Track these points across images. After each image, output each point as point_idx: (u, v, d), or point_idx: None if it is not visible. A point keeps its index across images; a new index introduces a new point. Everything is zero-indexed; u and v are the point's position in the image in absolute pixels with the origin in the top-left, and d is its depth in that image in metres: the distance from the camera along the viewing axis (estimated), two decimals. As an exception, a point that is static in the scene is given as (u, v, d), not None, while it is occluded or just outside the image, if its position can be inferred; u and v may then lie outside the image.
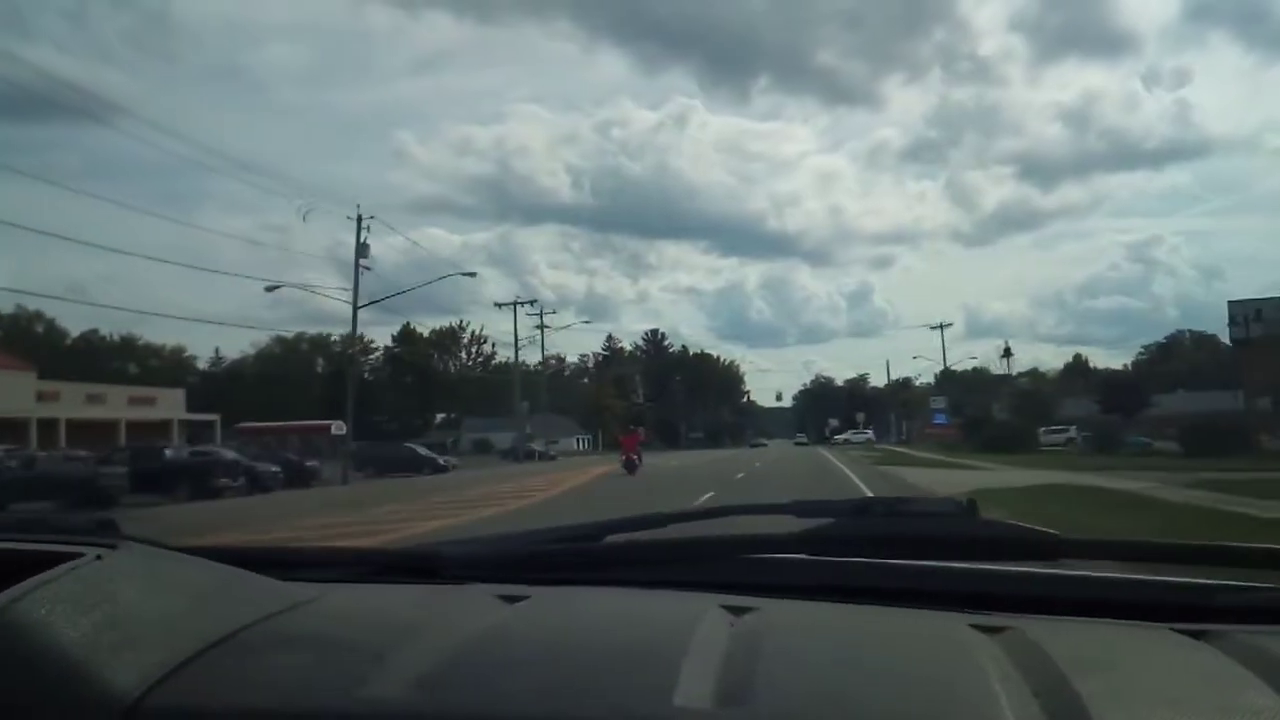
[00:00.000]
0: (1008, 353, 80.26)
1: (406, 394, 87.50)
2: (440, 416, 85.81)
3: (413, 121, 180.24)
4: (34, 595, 0.75)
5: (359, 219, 37.14)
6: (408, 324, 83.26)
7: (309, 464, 34.04)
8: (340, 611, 0.96)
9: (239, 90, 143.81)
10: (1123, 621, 0.92)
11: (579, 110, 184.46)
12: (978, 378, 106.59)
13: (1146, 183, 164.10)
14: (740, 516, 1.34)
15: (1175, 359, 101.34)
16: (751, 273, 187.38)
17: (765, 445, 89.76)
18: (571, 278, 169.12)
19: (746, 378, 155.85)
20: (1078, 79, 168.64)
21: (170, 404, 54.76)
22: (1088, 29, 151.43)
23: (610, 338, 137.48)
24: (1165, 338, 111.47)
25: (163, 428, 50.65)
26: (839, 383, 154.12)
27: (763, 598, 0.95)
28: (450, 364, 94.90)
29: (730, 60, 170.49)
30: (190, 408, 57.06)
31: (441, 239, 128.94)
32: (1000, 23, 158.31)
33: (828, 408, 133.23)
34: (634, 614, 0.96)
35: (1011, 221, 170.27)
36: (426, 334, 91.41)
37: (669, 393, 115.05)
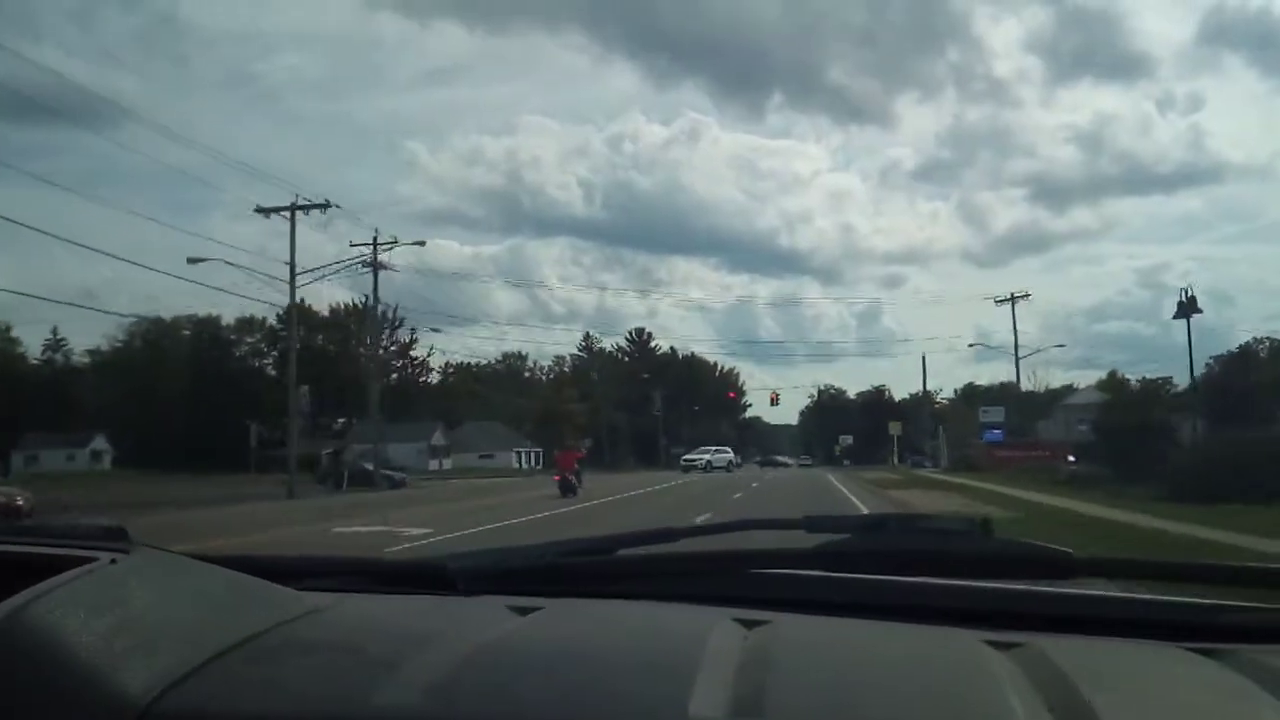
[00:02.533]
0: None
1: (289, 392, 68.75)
2: (340, 421, 67.42)
3: (423, 132, 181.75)
4: (48, 598, 0.74)
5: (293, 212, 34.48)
6: (301, 300, 66.19)
7: None
8: (353, 620, 0.97)
9: (247, 98, 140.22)
10: (1135, 640, 0.93)
11: (590, 123, 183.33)
12: (1007, 393, 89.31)
13: (1158, 208, 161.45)
14: (753, 531, 1.33)
15: (1259, 369, 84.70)
16: (762, 289, 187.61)
17: (788, 464, 78.24)
18: (582, 292, 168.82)
19: (746, 387, 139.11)
20: (1091, 102, 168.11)
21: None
22: (1102, 52, 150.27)
23: (588, 336, 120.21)
24: (1238, 347, 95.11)
25: None
26: (850, 395, 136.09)
27: (776, 612, 0.95)
28: (362, 354, 76.31)
29: (743, 76, 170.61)
30: None
31: (452, 250, 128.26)
32: (1015, 43, 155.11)
33: (838, 423, 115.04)
34: (647, 626, 0.97)
35: (1023, 244, 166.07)
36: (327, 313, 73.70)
37: (651, 401, 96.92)
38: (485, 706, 0.70)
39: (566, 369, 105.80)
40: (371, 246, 39.65)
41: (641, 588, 1.09)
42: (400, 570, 1.25)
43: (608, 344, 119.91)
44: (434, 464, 64.89)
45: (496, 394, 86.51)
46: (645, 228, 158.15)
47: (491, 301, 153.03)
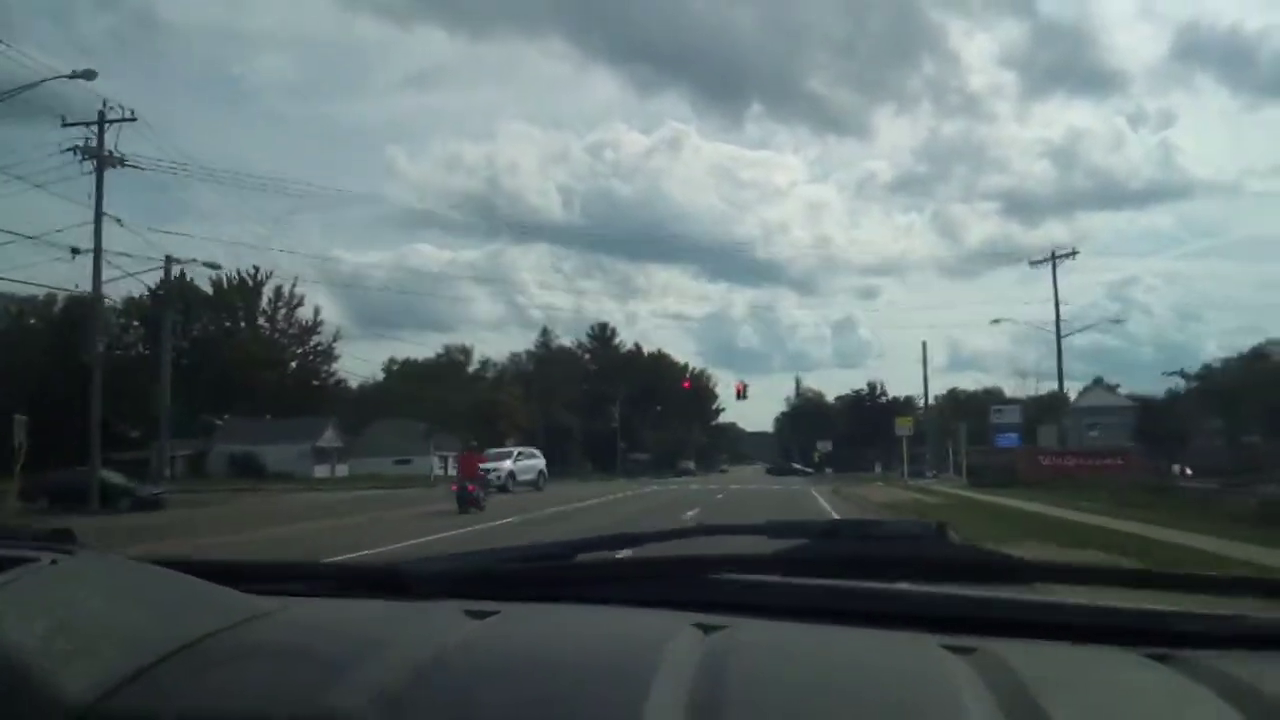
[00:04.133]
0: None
1: (164, 382, 56.40)
2: (225, 418, 55.93)
3: (403, 136, 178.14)
4: None
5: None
6: (181, 273, 54.53)
7: None
8: (302, 624, 0.95)
9: (226, 99, 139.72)
10: (1091, 645, 0.94)
11: (571, 130, 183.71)
12: (992, 399, 79.73)
13: (1128, 224, 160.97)
14: (714, 537, 1.33)
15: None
16: (739, 299, 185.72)
17: (807, 472, 70.12)
18: (561, 297, 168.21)
19: (719, 391, 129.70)
20: (1064, 117, 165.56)
21: None
22: (1076, 67, 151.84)
23: (545, 331, 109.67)
24: (1250, 349, 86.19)
25: None
26: (830, 399, 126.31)
27: (735, 616, 0.96)
28: (254, 333, 64.70)
29: (723, 86, 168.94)
30: None
31: (430, 255, 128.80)
32: (990, 58, 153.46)
33: (817, 428, 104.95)
34: (605, 631, 0.97)
35: (996, 256, 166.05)
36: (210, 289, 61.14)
37: (610, 403, 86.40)
38: (438, 714, 0.68)
39: (520, 365, 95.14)
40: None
41: (600, 592, 1.08)
42: (352, 574, 1.24)
43: (569, 341, 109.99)
44: (321, 470, 53.81)
45: (432, 391, 75.57)
46: (625, 235, 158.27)
47: (474, 308, 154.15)
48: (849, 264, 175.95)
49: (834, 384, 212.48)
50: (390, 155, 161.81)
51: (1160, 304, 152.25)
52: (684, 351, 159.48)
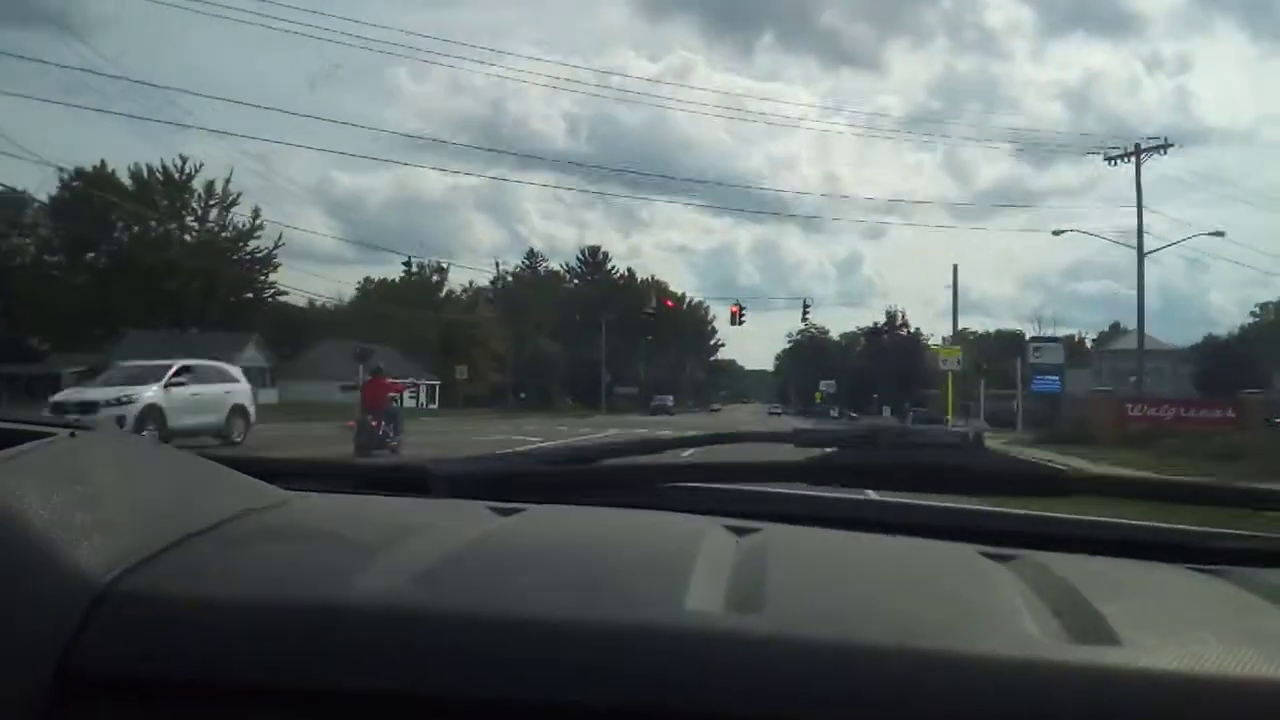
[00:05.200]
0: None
1: (76, 286, 49.68)
2: (126, 332, 48.10)
3: (407, 57, 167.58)
4: (1, 467, 0.70)
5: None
6: (101, 163, 46.43)
7: None
8: (327, 512, 0.94)
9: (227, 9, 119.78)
10: (1133, 560, 0.92)
11: (579, 55, 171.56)
12: (1005, 341, 72.32)
13: (1143, 169, 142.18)
14: (740, 445, 1.32)
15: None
16: (744, 235, 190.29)
17: (722, 410, 62.58)
18: (563, 228, 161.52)
19: (718, 327, 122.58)
20: (1080, 58, 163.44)
21: None
22: (1094, 6, 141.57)
23: (533, 252, 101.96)
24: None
25: None
26: (835, 336, 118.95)
27: (767, 522, 0.94)
28: (181, 235, 55.33)
29: (735, 14, 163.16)
30: None
31: (432, 178, 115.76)
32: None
33: (821, 367, 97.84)
34: (636, 529, 0.94)
35: (1005, 199, 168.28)
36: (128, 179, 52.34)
37: (598, 331, 79.15)
38: (468, 597, 0.66)
39: (505, 288, 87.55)
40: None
41: (627, 497, 1.07)
42: (376, 473, 1.23)
43: (557, 264, 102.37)
44: None
45: (399, 313, 68.15)
46: (629, 166, 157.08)
47: (474, 235, 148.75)
48: (856, 201, 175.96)
49: (838, 322, 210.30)
50: (393, 75, 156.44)
51: (1169, 252, 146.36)
52: (686, 285, 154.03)
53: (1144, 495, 1.16)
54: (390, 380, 20.47)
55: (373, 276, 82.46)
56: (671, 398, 76.86)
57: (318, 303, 77.93)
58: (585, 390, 76.15)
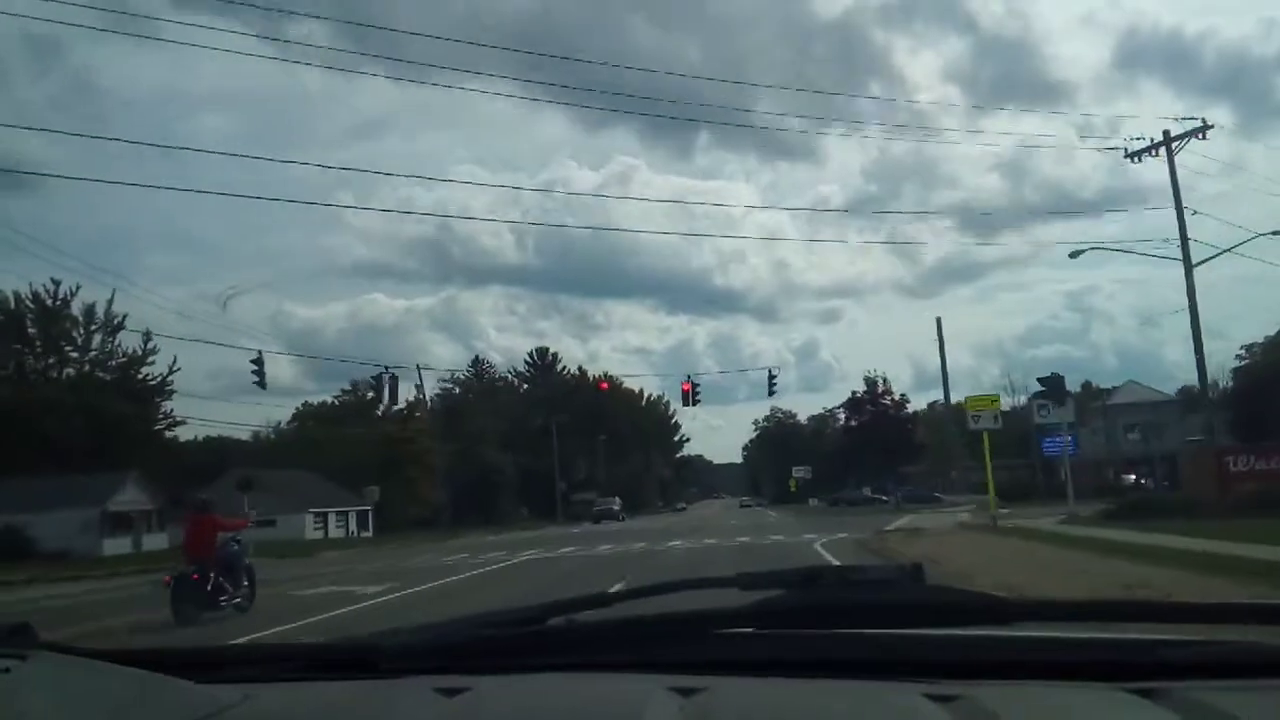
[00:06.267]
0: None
1: None
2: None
3: (351, 185, 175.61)
4: None
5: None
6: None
7: None
8: (267, 715, 0.93)
9: (171, 158, 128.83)
10: (1074, 683, 0.94)
11: (521, 170, 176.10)
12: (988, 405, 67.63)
13: (1081, 234, 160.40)
14: (687, 592, 1.32)
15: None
16: (700, 330, 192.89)
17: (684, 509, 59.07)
18: (519, 340, 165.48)
19: (682, 425, 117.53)
20: (1014, 129, 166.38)
21: None
22: (1022, 80, 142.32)
23: (478, 359, 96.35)
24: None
25: None
26: (803, 420, 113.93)
27: (713, 676, 0.96)
28: (61, 367, 48.18)
29: (670, 118, 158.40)
30: None
31: (383, 304, 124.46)
32: (935, 74, 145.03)
33: (791, 454, 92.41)
34: (579, 702, 0.96)
35: (953, 273, 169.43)
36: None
37: (556, 435, 73.21)
38: None
39: (450, 400, 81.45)
40: None
41: (574, 658, 1.08)
42: (319, 653, 1.20)
43: (506, 370, 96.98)
44: (118, 543, 39.68)
45: (327, 436, 61.86)
46: (580, 273, 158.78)
47: (431, 355, 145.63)
48: (807, 288, 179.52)
49: (802, 407, 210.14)
50: (338, 204, 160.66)
51: (1120, 311, 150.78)
52: (647, 385, 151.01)
53: (1084, 617, 1.13)
54: (222, 519, 14.95)
55: (312, 400, 76.38)
56: (618, 500, 66.75)
57: (262, 434, 71.72)
58: (540, 500, 69.84)
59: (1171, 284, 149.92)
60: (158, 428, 47.11)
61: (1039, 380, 24.60)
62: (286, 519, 46.22)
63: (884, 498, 56.21)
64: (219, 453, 55.70)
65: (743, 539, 23.80)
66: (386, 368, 46.85)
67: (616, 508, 62.73)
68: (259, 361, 29.81)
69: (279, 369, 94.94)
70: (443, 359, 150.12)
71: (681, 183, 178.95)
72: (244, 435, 66.28)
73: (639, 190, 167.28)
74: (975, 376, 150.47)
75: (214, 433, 62.91)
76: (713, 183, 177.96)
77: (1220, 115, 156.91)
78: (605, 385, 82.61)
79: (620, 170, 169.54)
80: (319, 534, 50.65)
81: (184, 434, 57.33)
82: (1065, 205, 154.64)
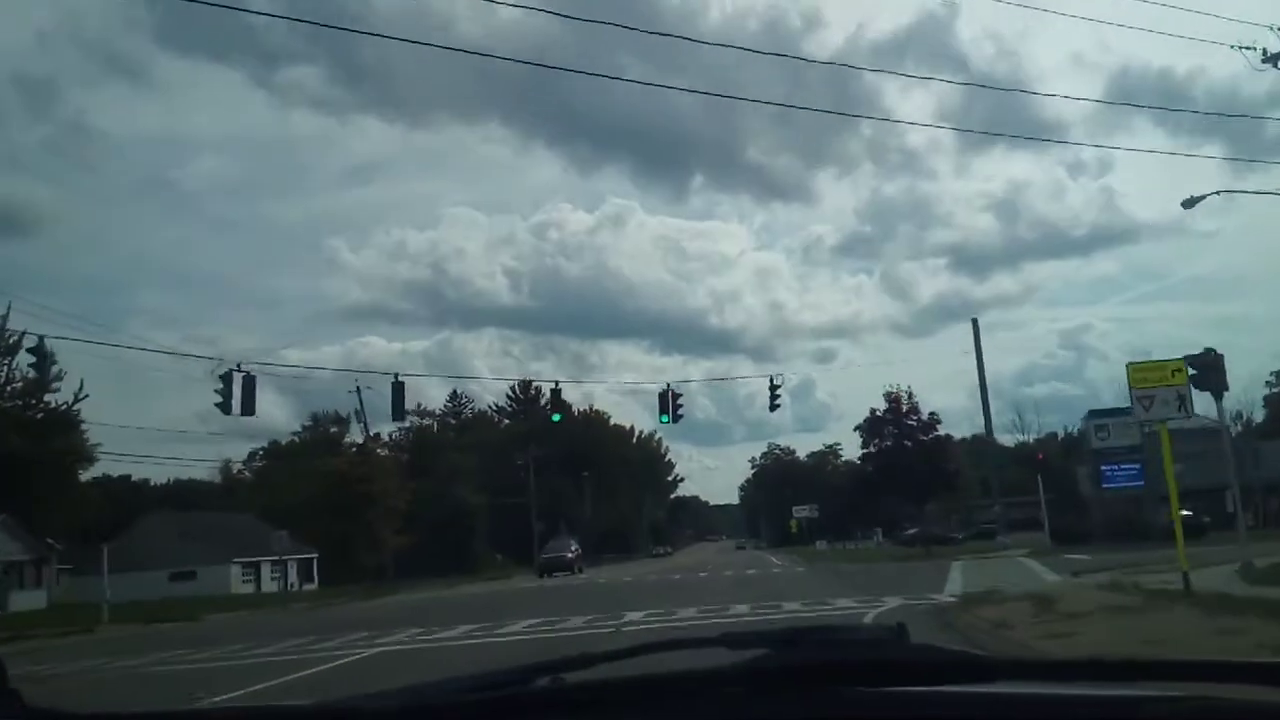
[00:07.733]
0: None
1: None
2: None
3: (345, 229, 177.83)
4: None
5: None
6: None
7: None
8: None
9: (167, 203, 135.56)
10: None
11: (515, 213, 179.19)
12: (980, 444, 61.77)
13: (1075, 272, 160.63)
14: (671, 652, 1.32)
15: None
16: (695, 370, 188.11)
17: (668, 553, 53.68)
18: (512, 382, 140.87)
19: (676, 464, 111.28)
20: (1004, 169, 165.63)
21: None
22: (1013, 119, 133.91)
23: (456, 394, 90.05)
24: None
25: None
26: (802, 457, 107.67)
27: None
28: None
29: (663, 160, 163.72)
30: None
31: (379, 346, 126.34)
32: (926, 115, 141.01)
33: (790, 494, 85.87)
34: None
35: (948, 312, 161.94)
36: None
37: (534, 473, 66.70)
38: None
39: (425, 436, 74.94)
40: None
41: None
42: (297, 716, 1.19)
43: (486, 404, 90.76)
44: None
45: (280, 475, 55.26)
46: (575, 314, 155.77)
47: (427, 396, 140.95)
48: (802, 328, 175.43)
49: (797, 449, 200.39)
50: (332, 248, 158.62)
51: (1113, 349, 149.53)
52: (644, 424, 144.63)
53: (1067, 677, 1.15)
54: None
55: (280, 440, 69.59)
56: (574, 545, 53.57)
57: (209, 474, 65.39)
58: (518, 544, 63.24)
59: (1161, 320, 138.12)
60: (56, 464, 39.81)
61: (1186, 360, 13.75)
62: (210, 570, 39.79)
63: (957, 535, 50.14)
64: (139, 495, 48.94)
65: (739, 609, 16.75)
66: (359, 386, 40.45)
67: (570, 555, 50.02)
68: (226, 378, 23.28)
69: (268, 405, 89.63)
70: (438, 401, 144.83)
71: (676, 224, 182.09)
72: (200, 475, 59.58)
73: (634, 231, 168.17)
74: (971, 416, 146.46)
75: (157, 474, 56.52)
76: (707, 223, 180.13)
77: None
78: (555, 409, 76.66)
79: (614, 211, 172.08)
80: (249, 586, 44.20)
81: (115, 471, 51.01)
82: (1057, 243, 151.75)
